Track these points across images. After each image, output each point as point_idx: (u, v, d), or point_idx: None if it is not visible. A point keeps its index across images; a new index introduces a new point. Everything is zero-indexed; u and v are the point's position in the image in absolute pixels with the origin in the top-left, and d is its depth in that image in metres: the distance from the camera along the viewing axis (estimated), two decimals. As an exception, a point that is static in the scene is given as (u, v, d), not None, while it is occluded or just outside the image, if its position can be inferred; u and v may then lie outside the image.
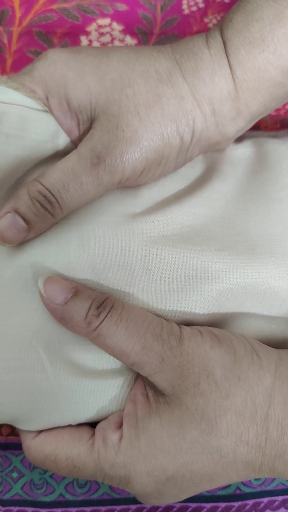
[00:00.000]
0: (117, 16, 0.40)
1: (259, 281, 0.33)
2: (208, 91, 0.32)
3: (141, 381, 0.33)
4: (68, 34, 0.41)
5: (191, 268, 0.33)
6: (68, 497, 0.40)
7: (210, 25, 0.41)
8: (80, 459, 0.32)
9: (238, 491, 0.40)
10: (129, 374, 0.34)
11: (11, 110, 0.33)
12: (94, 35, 0.41)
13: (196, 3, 0.40)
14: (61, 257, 0.33)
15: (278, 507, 0.40)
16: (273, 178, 0.36)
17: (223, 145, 0.36)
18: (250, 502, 0.40)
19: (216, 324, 0.34)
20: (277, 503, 0.40)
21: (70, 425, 0.34)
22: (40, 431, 0.34)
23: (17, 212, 0.32)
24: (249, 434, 0.30)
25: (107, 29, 0.41)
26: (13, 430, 0.41)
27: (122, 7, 0.40)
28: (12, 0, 0.40)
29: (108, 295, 0.33)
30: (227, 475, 0.31)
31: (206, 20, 0.41)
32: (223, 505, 0.40)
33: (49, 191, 0.32)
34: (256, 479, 0.41)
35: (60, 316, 0.32)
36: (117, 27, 0.41)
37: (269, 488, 0.40)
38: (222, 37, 0.33)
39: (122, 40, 0.41)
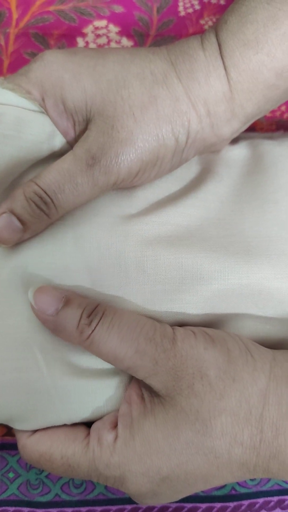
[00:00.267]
0: (113, 18, 0.41)
1: (254, 282, 0.33)
2: (203, 92, 0.32)
3: (136, 382, 0.33)
4: (65, 36, 0.41)
5: (185, 269, 0.33)
6: (64, 497, 0.40)
7: (206, 27, 0.41)
8: (75, 459, 0.32)
9: (233, 492, 0.40)
10: (124, 374, 0.34)
11: (7, 111, 0.33)
12: (90, 36, 0.41)
13: (192, 5, 0.41)
14: (57, 258, 0.33)
15: (274, 508, 0.40)
16: (268, 180, 0.36)
17: (219, 147, 0.36)
18: (246, 502, 0.40)
19: (210, 325, 0.34)
20: (272, 503, 0.40)
21: (65, 425, 0.34)
22: (35, 431, 0.34)
23: (12, 212, 0.32)
24: (244, 435, 0.30)
25: (104, 31, 0.41)
26: (9, 431, 0.41)
27: (118, 9, 0.40)
28: (9, 2, 0.40)
29: (99, 302, 0.33)
30: (222, 476, 0.31)
31: (202, 22, 0.41)
32: (218, 505, 0.40)
33: (45, 192, 0.32)
34: (251, 480, 0.41)
35: (53, 327, 0.32)
36: (113, 29, 0.41)
37: (264, 488, 0.41)
38: (217, 39, 0.33)
39: (118, 42, 0.41)
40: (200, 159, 0.38)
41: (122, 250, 0.33)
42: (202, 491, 0.40)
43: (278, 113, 0.44)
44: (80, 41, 0.41)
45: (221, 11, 0.41)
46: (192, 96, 0.32)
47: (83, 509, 0.40)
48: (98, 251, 0.33)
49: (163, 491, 0.32)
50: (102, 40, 0.41)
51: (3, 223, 0.32)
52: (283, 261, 0.34)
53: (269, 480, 0.41)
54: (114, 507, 0.40)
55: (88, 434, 0.33)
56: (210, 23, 0.41)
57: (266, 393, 0.31)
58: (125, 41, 0.41)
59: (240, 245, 0.34)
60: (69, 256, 0.33)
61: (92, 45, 0.41)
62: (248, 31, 0.32)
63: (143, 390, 0.33)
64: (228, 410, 0.30)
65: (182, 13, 0.41)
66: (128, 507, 0.40)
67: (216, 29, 0.33)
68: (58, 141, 0.34)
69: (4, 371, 0.33)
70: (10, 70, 0.42)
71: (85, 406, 0.33)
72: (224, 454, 0.30)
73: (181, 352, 0.31)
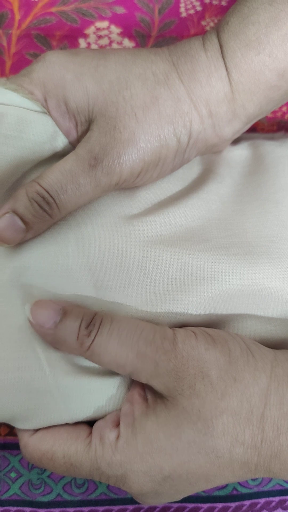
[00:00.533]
0: (115, 19, 0.41)
1: (256, 282, 0.33)
2: (204, 93, 0.32)
3: (138, 382, 0.33)
4: (67, 37, 0.41)
5: (187, 270, 0.33)
6: (66, 497, 0.40)
7: (207, 28, 0.41)
8: (77, 457, 0.32)
9: (235, 492, 0.40)
10: (126, 373, 0.34)
11: (10, 112, 0.33)
12: (92, 37, 0.41)
13: (194, 6, 0.41)
14: (60, 258, 0.34)
15: (275, 508, 0.40)
16: (269, 180, 0.36)
17: (220, 147, 0.36)
18: (247, 502, 0.40)
19: (212, 325, 0.34)
20: (274, 503, 0.40)
21: (67, 424, 0.34)
22: (37, 430, 0.34)
23: (15, 212, 0.32)
24: (245, 434, 0.30)
25: (105, 32, 0.41)
26: (11, 430, 0.41)
27: (120, 10, 0.40)
28: (12, 3, 0.40)
29: (96, 311, 0.33)
30: (223, 475, 0.31)
31: (203, 23, 0.41)
32: (220, 505, 0.40)
33: (47, 192, 0.32)
34: (253, 480, 0.41)
35: (53, 341, 0.32)
36: (115, 30, 0.41)
37: (266, 488, 0.41)
38: (218, 40, 0.33)
39: (120, 43, 0.42)
40: (202, 159, 0.38)
41: (124, 251, 0.33)
42: (204, 491, 0.40)
43: (279, 114, 0.44)
44: (82, 42, 0.41)
45: (223, 12, 0.41)
46: (194, 97, 0.32)
47: (85, 509, 0.40)
48: (100, 251, 0.33)
49: (165, 490, 0.32)
50: (104, 41, 0.41)
51: (6, 223, 0.32)
52: (284, 261, 0.34)
53: (270, 480, 0.41)
54: (116, 507, 0.40)
55: (90, 433, 0.33)
56: (211, 24, 0.41)
57: (267, 392, 0.31)
58: (127, 42, 0.41)
59: (241, 245, 0.34)
60: (71, 257, 0.34)
61: (94, 46, 0.42)
62: (250, 32, 0.32)
63: (145, 390, 0.33)
64: (229, 410, 0.30)
65: (184, 14, 0.41)
66: (130, 507, 0.40)
67: (217, 30, 0.33)
68: (60, 142, 0.35)
69: (7, 370, 0.33)
70: (12, 71, 0.42)
71: (87, 405, 0.33)
72: (225, 453, 0.31)
73: (182, 353, 0.31)
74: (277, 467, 0.31)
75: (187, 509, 0.40)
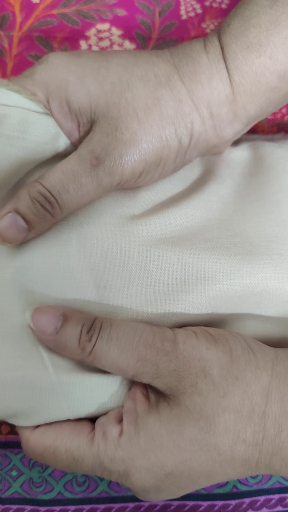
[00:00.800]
0: (116, 21, 0.41)
1: (256, 282, 0.34)
2: (206, 94, 0.33)
3: (140, 380, 0.34)
4: (68, 39, 0.41)
5: (188, 270, 0.34)
6: (67, 495, 0.40)
7: (208, 30, 0.42)
8: (79, 452, 0.32)
9: (235, 490, 0.41)
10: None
11: (13, 113, 0.33)
12: (93, 39, 0.41)
13: (194, 9, 0.41)
14: (62, 258, 0.34)
15: (275, 505, 0.40)
16: (269, 181, 0.36)
17: (221, 148, 0.36)
18: (247, 500, 0.40)
19: (213, 325, 0.34)
20: (273, 501, 0.40)
21: (69, 420, 0.34)
22: (38, 425, 0.34)
23: (17, 212, 0.32)
24: (247, 432, 0.31)
25: (106, 34, 0.41)
26: (12, 429, 0.41)
27: (121, 12, 0.41)
28: (13, 5, 0.40)
29: (96, 316, 0.33)
30: (225, 473, 0.32)
31: (203, 25, 0.42)
32: (220, 503, 0.40)
33: (49, 192, 0.32)
34: (252, 478, 0.41)
35: (54, 346, 0.33)
36: (116, 32, 0.41)
37: (265, 486, 0.41)
38: (219, 42, 0.33)
39: (121, 45, 0.42)
40: (202, 160, 0.38)
41: (126, 251, 0.34)
42: (204, 489, 0.40)
43: (279, 115, 0.44)
44: (83, 44, 0.42)
45: (223, 15, 0.41)
46: (195, 98, 0.33)
47: (86, 507, 0.40)
48: (101, 251, 0.34)
49: (166, 487, 0.32)
50: (105, 43, 0.42)
51: (8, 222, 0.32)
52: (284, 261, 0.34)
53: (270, 478, 0.41)
54: (116, 505, 0.40)
55: (93, 428, 0.33)
56: (211, 26, 0.41)
57: (269, 391, 0.31)
58: (128, 44, 0.42)
59: (242, 245, 0.34)
60: (73, 256, 0.34)
61: (94, 48, 0.42)
62: (251, 35, 0.32)
63: (148, 389, 0.33)
64: (231, 408, 0.31)
65: (184, 17, 0.41)
66: (131, 505, 0.40)
67: (219, 32, 0.34)
68: (63, 142, 0.35)
69: (9, 369, 0.33)
70: (13, 72, 0.42)
71: (90, 402, 0.33)
72: (227, 451, 0.31)
73: (183, 353, 0.31)
74: (278, 464, 0.31)
75: (187, 507, 0.40)
